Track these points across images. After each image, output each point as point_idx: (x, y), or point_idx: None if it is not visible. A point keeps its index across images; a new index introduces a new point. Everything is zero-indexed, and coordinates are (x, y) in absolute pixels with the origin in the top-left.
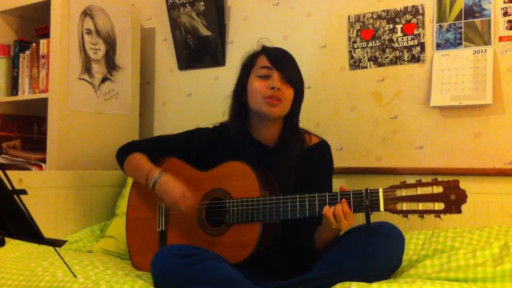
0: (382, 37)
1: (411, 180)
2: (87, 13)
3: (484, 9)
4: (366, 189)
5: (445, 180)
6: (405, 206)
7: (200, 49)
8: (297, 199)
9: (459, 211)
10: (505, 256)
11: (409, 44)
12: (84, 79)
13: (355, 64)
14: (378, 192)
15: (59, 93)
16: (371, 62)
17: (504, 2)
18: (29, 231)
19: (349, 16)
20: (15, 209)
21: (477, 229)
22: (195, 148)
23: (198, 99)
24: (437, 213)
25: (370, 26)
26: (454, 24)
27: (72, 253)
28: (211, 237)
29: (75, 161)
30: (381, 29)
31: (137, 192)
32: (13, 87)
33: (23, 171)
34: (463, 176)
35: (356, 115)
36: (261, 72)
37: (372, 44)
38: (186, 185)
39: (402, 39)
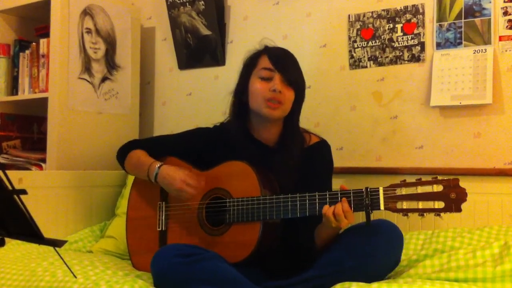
0: (382, 37)
1: (411, 179)
2: (87, 12)
3: (484, 9)
4: (366, 188)
5: (445, 178)
6: (405, 204)
7: (200, 48)
8: (298, 198)
9: (459, 209)
10: (505, 256)
11: (409, 44)
12: (84, 79)
13: (355, 63)
14: (378, 191)
15: (59, 93)
16: (371, 62)
17: (504, 2)
18: (29, 231)
19: (349, 15)
20: (15, 209)
21: (477, 229)
22: (195, 148)
23: (198, 99)
24: (437, 211)
25: (370, 26)
26: (454, 23)
27: (72, 253)
28: (211, 236)
29: (75, 161)
30: (381, 28)
31: (137, 191)
32: (13, 87)
33: (23, 171)
34: (463, 176)
35: (356, 115)
36: (263, 73)
37: (372, 43)
38: (186, 172)
39: (402, 38)
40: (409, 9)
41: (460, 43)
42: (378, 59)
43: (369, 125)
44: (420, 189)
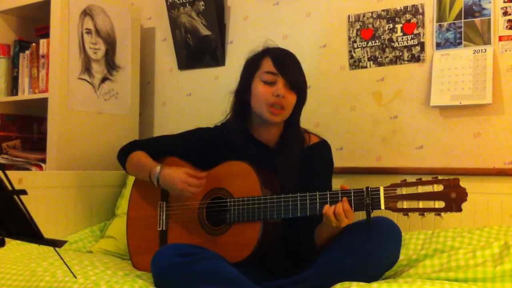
0: (382, 37)
1: (411, 179)
2: (87, 12)
3: (484, 9)
4: (367, 188)
5: (446, 178)
6: (405, 204)
7: (200, 49)
8: (298, 198)
9: (459, 209)
10: (505, 256)
11: (409, 44)
12: (84, 79)
13: (355, 64)
14: (379, 191)
15: (59, 93)
16: (371, 62)
17: (504, 2)
18: (29, 231)
19: (349, 15)
20: (15, 209)
21: (477, 229)
22: (195, 148)
23: (198, 99)
24: (438, 211)
25: (370, 26)
26: (454, 23)
27: (72, 253)
28: (212, 236)
29: (75, 161)
30: (381, 28)
31: (138, 191)
32: (13, 87)
33: (23, 171)
34: (463, 176)
35: (356, 115)
36: (266, 77)
37: (372, 43)
38: (186, 170)
39: (402, 38)
40: (409, 9)
41: (460, 43)
42: (378, 59)
43: (369, 125)
44: (421, 189)
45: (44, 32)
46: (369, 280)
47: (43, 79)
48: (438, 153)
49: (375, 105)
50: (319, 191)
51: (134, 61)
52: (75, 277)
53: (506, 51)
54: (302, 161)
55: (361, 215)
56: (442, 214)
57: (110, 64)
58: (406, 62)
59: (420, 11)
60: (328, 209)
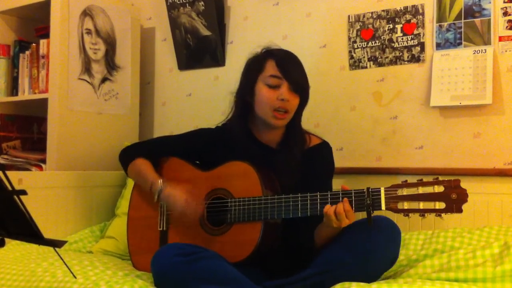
0: (382, 37)
1: (411, 179)
2: (86, 13)
3: (484, 9)
4: (368, 188)
5: (446, 179)
6: (406, 205)
7: (200, 49)
8: (299, 198)
9: (460, 210)
10: (505, 256)
11: (409, 44)
12: (84, 79)
13: (355, 64)
14: (379, 191)
15: (59, 93)
16: (371, 62)
17: (504, 2)
18: (29, 232)
19: (349, 16)
20: (15, 210)
21: (477, 229)
22: (196, 149)
23: (198, 99)
24: (438, 212)
25: (370, 26)
26: (454, 24)
27: (72, 253)
28: (212, 236)
29: (75, 161)
30: (381, 29)
31: (139, 191)
32: (13, 87)
33: (23, 172)
34: (463, 176)
35: (356, 115)
36: (271, 81)
37: (372, 44)
38: (188, 189)
39: (402, 39)
40: (409, 10)
41: (460, 44)
42: (378, 60)
43: (369, 125)
44: (421, 190)
45: (44, 32)
46: (368, 279)
47: (43, 79)
48: (438, 153)
49: (375, 105)
50: (319, 192)
51: (134, 61)
52: (75, 277)
53: (506, 51)
54: (302, 162)
55: (361, 215)
56: (442, 215)
57: (110, 64)
58: (406, 62)
59: (420, 11)
60: (329, 208)
